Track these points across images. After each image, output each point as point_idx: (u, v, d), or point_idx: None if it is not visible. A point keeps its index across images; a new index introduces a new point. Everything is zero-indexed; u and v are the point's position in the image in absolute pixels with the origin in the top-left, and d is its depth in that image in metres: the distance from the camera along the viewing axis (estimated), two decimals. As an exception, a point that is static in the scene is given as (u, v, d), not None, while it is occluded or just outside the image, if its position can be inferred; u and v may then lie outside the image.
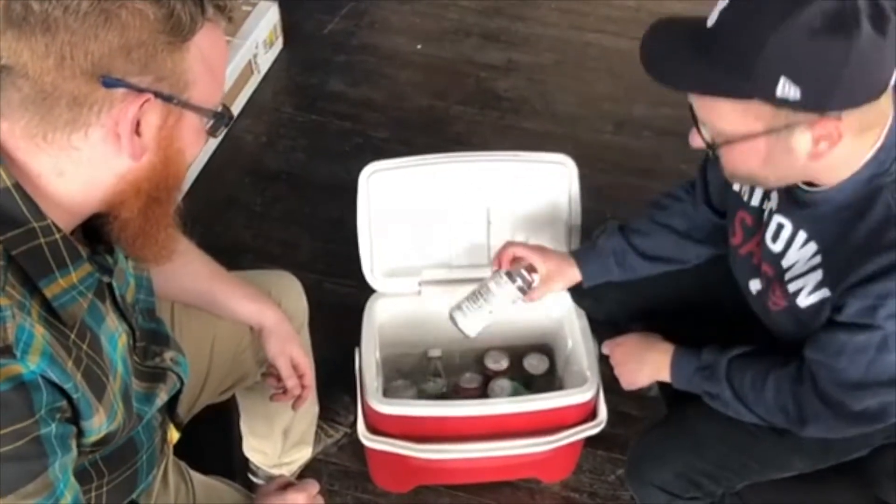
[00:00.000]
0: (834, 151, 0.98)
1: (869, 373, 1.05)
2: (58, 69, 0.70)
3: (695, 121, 1.05)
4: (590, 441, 1.56)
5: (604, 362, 1.47)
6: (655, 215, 1.44)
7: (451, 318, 1.43)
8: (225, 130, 0.85)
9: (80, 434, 0.82)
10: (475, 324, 1.42)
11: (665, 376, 1.32)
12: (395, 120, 2.46)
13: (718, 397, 1.23)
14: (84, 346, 0.81)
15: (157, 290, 1.08)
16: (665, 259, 1.43)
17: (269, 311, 1.27)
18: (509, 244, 1.45)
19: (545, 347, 1.76)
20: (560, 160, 1.60)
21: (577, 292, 1.57)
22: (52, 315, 0.77)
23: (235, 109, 2.44)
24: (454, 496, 1.70)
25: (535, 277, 1.41)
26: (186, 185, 2.17)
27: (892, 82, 0.96)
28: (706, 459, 1.30)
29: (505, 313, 1.42)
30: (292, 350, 1.28)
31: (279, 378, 1.30)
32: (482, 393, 1.69)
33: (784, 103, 0.94)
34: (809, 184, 1.08)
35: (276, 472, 1.62)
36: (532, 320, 1.68)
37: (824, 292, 1.08)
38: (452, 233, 1.64)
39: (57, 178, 0.76)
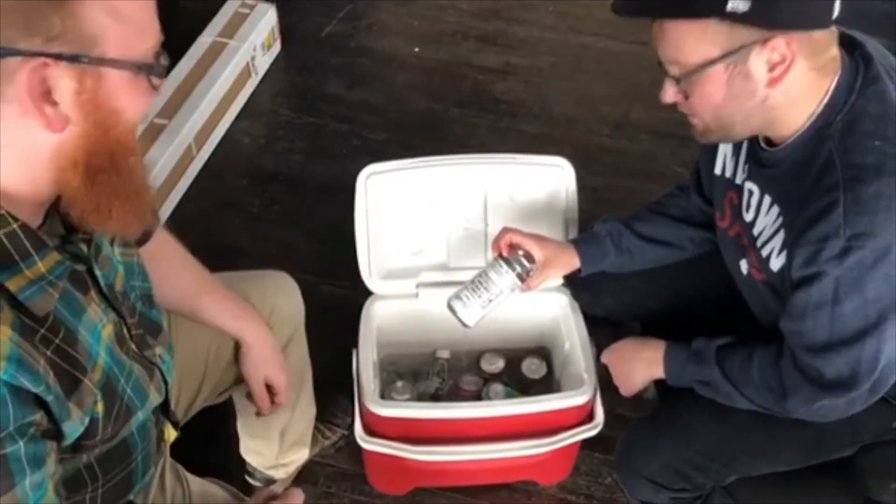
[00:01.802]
0: (789, 79, 1.03)
1: (833, 331, 1.08)
2: None
3: (665, 73, 1.11)
4: (586, 443, 1.57)
5: (601, 365, 1.47)
6: (651, 206, 1.49)
7: (450, 307, 1.41)
8: (164, 81, 0.80)
9: (63, 437, 0.80)
10: (473, 313, 1.41)
11: (659, 372, 1.33)
12: (392, 122, 2.46)
13: (709, 383, 1.25)
14: (56, 341, 0.79)
15: None
16: (660, 241, 1.46)
17: (251, 329, 1.27)
18: (507, 230, 1.45)
19: (543, 350, 1.76)
20: (557, 162, 1.60)
21: (575, 287, 1.58)
22: (20, 310, 0.75)
23: (233, 112, 2.44)
24: (451, 498, 1.70)
25: (534, 266, 1.42)
26: (185, 186, 2.22)
27: (835, 13, 1.02)
28: (695, 450, 1.31)
29: (504, 303, 1.42)
30: (268, 370, 1.29)
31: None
32: (479, 396, 1.69)
33: (735, 18, 0.99)
34: (770, 144, 1.14)
35: (273, 473, 1.62)
36: (530, 321, 1.69)
37: (787, 253, 1.12)
38: (450, 235, 1.64)
39: None
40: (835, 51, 1.07)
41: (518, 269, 1.39)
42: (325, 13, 2.82)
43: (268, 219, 2.22)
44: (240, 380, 1.37)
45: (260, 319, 1.29)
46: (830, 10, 1.02)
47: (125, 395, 0.90)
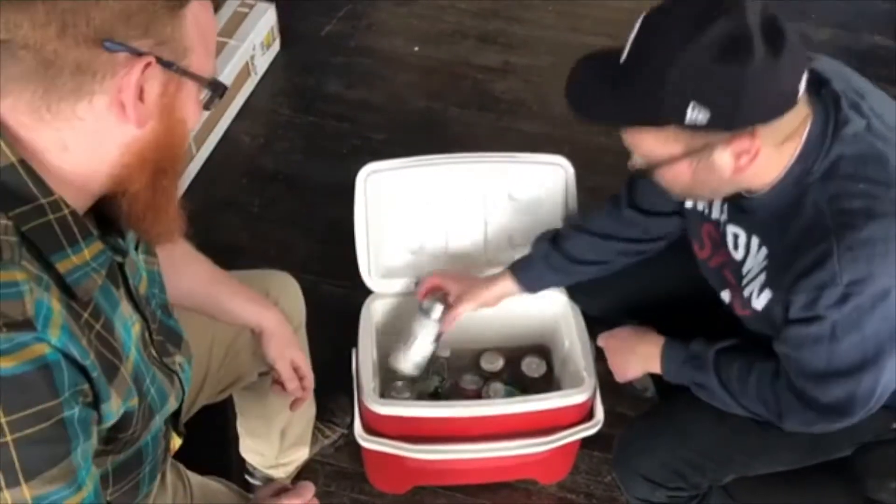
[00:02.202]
0: (756, 163, 1.02)
1: (830, 363, 1.09)
2: (60, 37, 0.70)
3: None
4: (586, 442, 1.57)
5: (600, 361, 1.47)
6: (578, 223, 1.49)
7: (392, 366, 1.55)
8: (218, 102, 0.85)
9: (99, 420, 0.81)
10: (407, 361, 1.54)
11: (655, 367, 1.33)
12: (392, 121, 2.46)
13: (706, 387, 1.25)
14: (97, 326, 0.80)
15: None
16: (585, 261, 1.46)
17: (269, 314, 1.26)
18: (428, 276, 1.55)
19: (542, 348, 1.76)
20: (556, 161, 1.61)
21: (571, 289, 1.58)
22: (66, 292, 0.77)
23: (232, 111, 2.45)
24: (451, 497, 1.70)
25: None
26: (184, 185, 2.22)
27: (800, 94, 0.99)
28: (691, 449, 1.31)
29: (431, 344, 1.53)
30: (293, 353, 1.28)
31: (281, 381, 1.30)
32: (479, 395, 1.69)
33: (696, 127, 0.97)
34: (749, 190, 1.13)
35: (273, 472, 1.62)
36: (530, 320, 1.69)
37: (768, 293, 1.13)
38: (449, 233, 1.64)
39: (62, 152, 0.75)
40: (804, 113, 1.04)
41: (434, 313, 1.50)
42: (324, 13, 2.81)
43: (268, 218, 2.22)
44: (239, 378, 1.38)
45: (273, 305, 1.29)
46: (795, 93, 0.99)
47: (149, 395, 0.91)
